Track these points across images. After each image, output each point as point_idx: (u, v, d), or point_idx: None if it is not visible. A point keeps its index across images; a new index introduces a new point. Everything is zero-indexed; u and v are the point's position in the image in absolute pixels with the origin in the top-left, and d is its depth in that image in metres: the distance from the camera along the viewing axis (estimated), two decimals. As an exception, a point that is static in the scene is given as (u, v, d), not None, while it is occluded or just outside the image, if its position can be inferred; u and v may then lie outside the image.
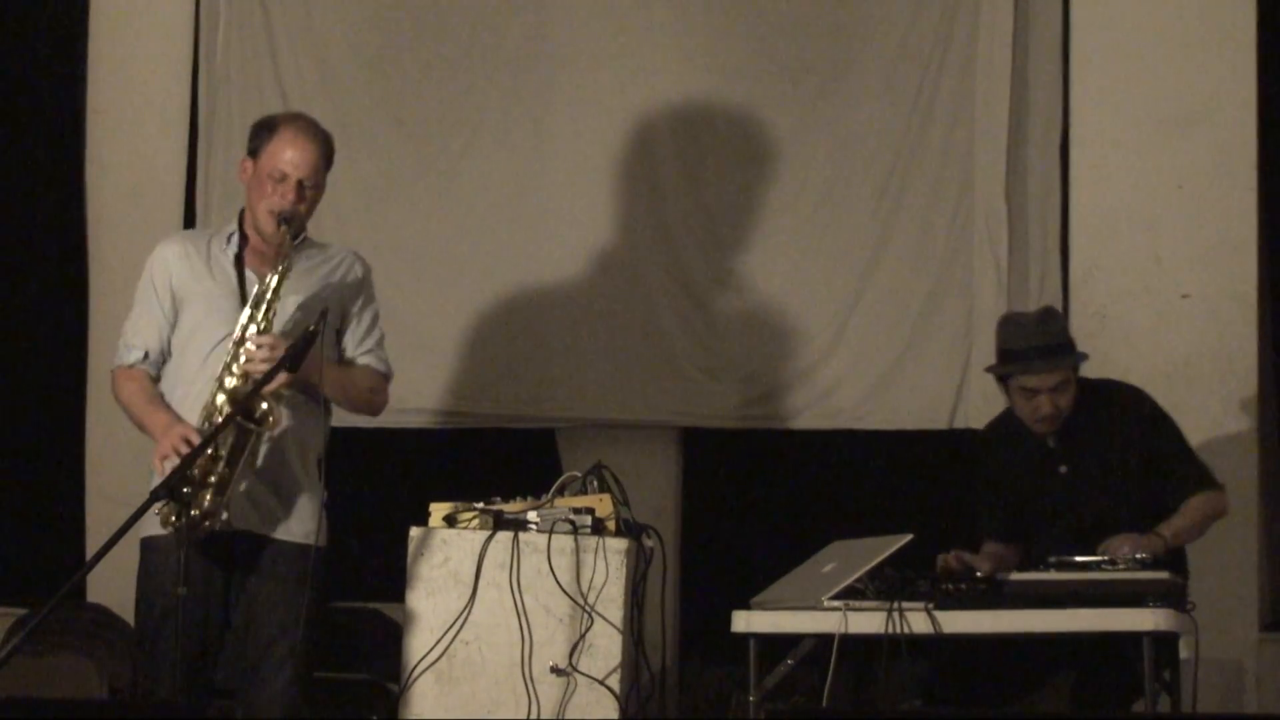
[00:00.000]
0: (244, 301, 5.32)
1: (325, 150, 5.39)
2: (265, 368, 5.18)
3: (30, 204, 7.41)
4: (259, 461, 5.25)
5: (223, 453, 5.16)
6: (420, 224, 7.22)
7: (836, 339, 7.04)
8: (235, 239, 5.41)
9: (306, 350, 5.19)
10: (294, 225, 5.31)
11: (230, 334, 5.29)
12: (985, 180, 6.98)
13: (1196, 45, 6.91)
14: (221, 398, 5.22)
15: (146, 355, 5.41)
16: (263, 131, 5.39)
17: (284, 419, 5.24)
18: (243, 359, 5.22)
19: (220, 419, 5.14)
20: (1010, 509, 5.89)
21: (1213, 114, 6.88)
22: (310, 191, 5.35)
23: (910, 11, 7.04)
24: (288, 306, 5.32)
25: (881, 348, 7.02)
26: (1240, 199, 6.86)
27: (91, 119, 7.39)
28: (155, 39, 7.38)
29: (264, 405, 5.17)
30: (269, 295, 5.26)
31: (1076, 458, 5.79)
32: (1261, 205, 6.87)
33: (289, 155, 5.32)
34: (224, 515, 5.19)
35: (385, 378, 5.56)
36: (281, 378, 5.19)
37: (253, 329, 5.24)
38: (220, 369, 5.25)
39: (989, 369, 5.98)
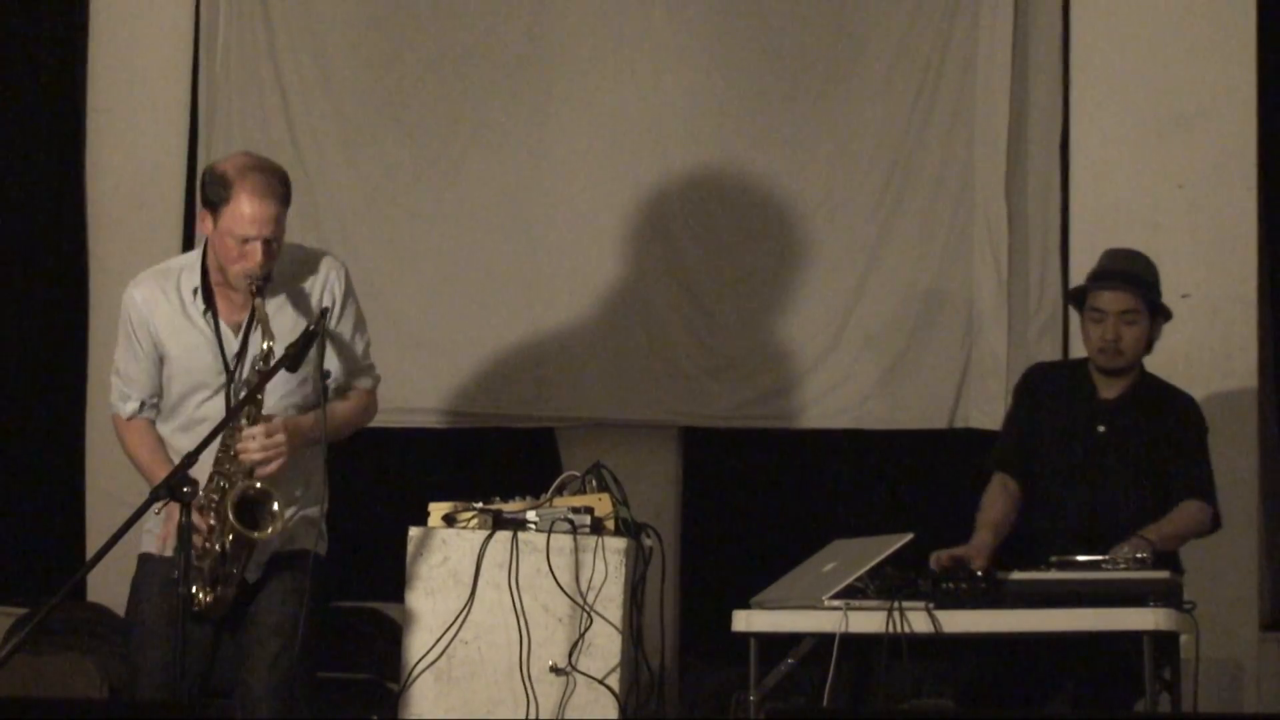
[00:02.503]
0: (223, 355, 5.26)
1: (284, 196, 5.21)
2: (270, 469, 5.14)
3: (30, 204, 7.41)
4: None
5: (228, 551, 5.14)
6: (420, 224, 7.22)
7: (836, 339, 7.04)
8: (201, 293, 5.28)
9: (306, 351, 5.17)
10: (264, 281, 5.20)
11: (215, 389, 5.26)
12: (985, 180, 6.98)
13: (1196, 45, 6.91)
14: (223, 483, 5.16)
15: (143, 405, 5.35)
16: (217, 187, 5.18)
17: (282, 522, 5.16)
18: (242, 439, 5.15)
19: (227, 512, 5.10)
20: (1034, 450, 5.88)
21: (1213, 114, 6.88)
22: (276, 244, 5.19)
23: (910, 11, 7.04)
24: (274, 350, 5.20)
25: (881, 348, 7.02)
26: (1240, 199, 6.86)
27: (91, 119, 7.39)
28: (155, 39, 7.38)
29: (274, 506, 5.11)
30: (256, 391, 5.17)
31: (1118, 424, 5.78)
32: (1261, 205, 6.87)
33: (249, 214, 5.13)
34: (231, 598, 5.21)
35: (373, 391, 5.51)
36: (283, 459, 5.16)
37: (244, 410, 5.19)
38: (218, 451, 5.19)
39: (1070, 291, 5.96)
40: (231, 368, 5.27)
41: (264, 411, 5.20)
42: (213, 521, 5.13)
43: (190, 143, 7.30)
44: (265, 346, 5.16)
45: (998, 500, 5.84)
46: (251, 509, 5.13)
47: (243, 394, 5.20)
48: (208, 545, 5.13)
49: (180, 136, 7.32)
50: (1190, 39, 6.91)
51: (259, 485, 5.13)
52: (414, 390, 7.03)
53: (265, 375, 5.13)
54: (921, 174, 7.03)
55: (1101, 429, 5.80)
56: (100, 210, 7.37)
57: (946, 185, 7.02)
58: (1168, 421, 5.79)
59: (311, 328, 5.19)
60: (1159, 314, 5.82)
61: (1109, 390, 5.83)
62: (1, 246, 7.38)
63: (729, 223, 7.11)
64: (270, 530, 5.12)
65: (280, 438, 5.16)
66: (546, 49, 7.19)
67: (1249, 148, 6.86)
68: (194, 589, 5.03)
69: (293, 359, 5.16)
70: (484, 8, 7.23)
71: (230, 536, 5.12)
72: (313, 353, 5.20)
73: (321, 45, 7.30)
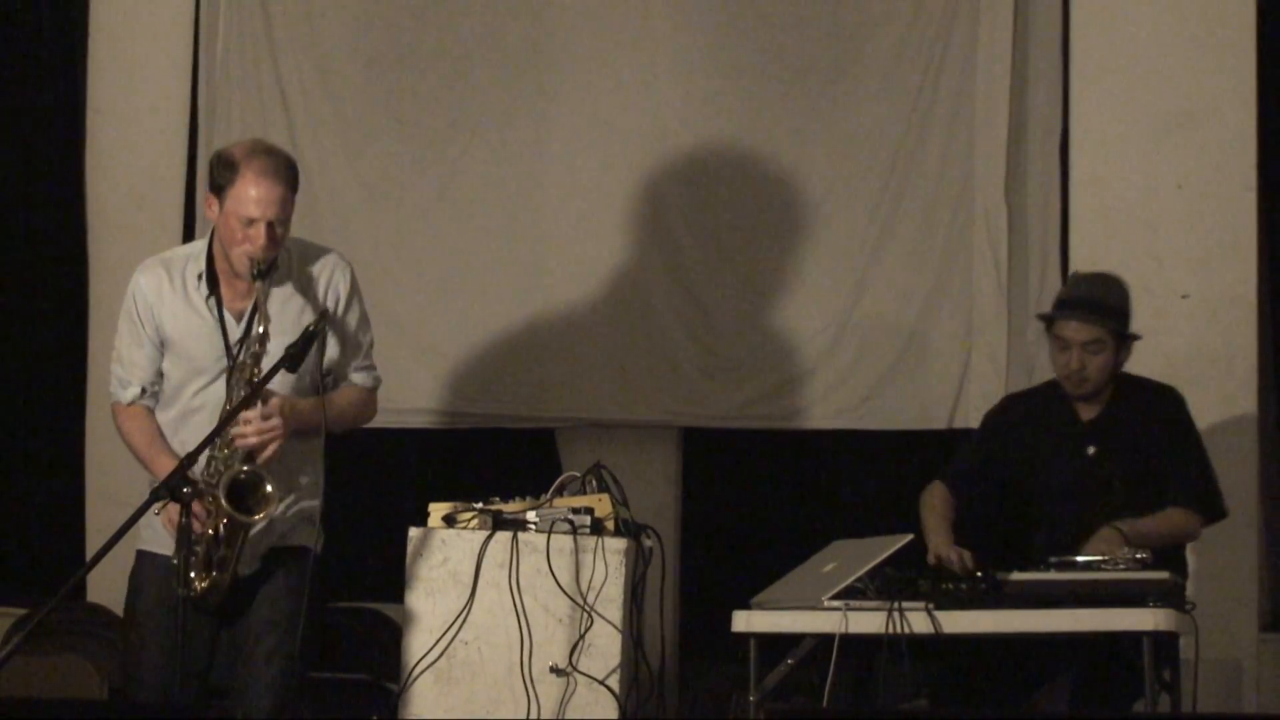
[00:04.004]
0: (225, 341, 5.26)
1: (291, 182, 5.22)
2: (267, 453, 5.11)
3: (30, 204, 7.41)
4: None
5: (223, 534, 5.13)
6: (420, 224, 7.22)
7: (836, 339, 7.04)
8: (205, 279, 5.28)
9: (305, 351, 5.16)
10: (267, 267, 5.20)
11: (214, 375, 5.26)
12: (985, 180, 6.98)
13: (1196, 45, 6.90)
14: (219, 466, 5.15)
15: (143, 391, 5.35)
16: (224, 170, 5.20)
17: (277, 505, 5.15)
18: (237, 423, 5.11)
19: (220, 497, 5.08)
20: (1020, 476, 5.87)
21: (1213, 114, 6.88)
22: (280, 228, 5.20)
23: (910, 11, 7.04)
24: (274, 346, 5.19)
25: (881, 348, 7.02)
26: (1240, 199, 6.86)
27: (91, 119, 7.39)
28: (155, 39, 7.38)
29: (267, 489, 5.10)
30: (252, 368, 5.16)
31: (1106, 442, 5.77)
32: (1261, 205, 6.87)
33: (254, 195, 5.15)
34: (226, 584, 5.20)
35: (373, 390, 5.50)
36: (279, 441, 5.13)
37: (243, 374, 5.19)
38: (214, 432, 5.16)
39: (1039, 315, 5.94)
40: (233, 355, 5.26)
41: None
42: (209, 506, 5.11)
43: (190, 143, 7.30)
44: (260, 330, 5.15)
45: (946, 497, 5.83)
46: (245, 493, 5.11)
47: (241, 391, 5.19)
48: (203, 530, 5.11)
49: (180, 136, 7.32)
50: (1190, 39, 6.91)
51: (246, 469, 5.10)
52: (414, 390, 7.03)
53: (264, 378, 5.12)
54: (921, 174, 7.03)
55: (1091, 450, 5.78)
56: (100, 210, 7.37)
57: (946, 185, 7.02)
58: (1153, 426, 5.77)
59: (311, 328, 5.19)
60: (1127, 340, 5.78)
61: (1088, 412, 5.81)
62: (2, 246, 7.38)
63: (729, 223, 7.11)
64: (264, 514, 5.10)
65: (276, 421, 5.13)
66: (546, 49, 7.19)
67: (1249, 148, 6.86)
68: (190, 574, 5.01)
69: (293, 359, 5.15)
70: (483, 8, 7.23)
71: (224, 521, 5.11)
72: (312, 353, 5.20)
73: (321, 45, 7.30)
